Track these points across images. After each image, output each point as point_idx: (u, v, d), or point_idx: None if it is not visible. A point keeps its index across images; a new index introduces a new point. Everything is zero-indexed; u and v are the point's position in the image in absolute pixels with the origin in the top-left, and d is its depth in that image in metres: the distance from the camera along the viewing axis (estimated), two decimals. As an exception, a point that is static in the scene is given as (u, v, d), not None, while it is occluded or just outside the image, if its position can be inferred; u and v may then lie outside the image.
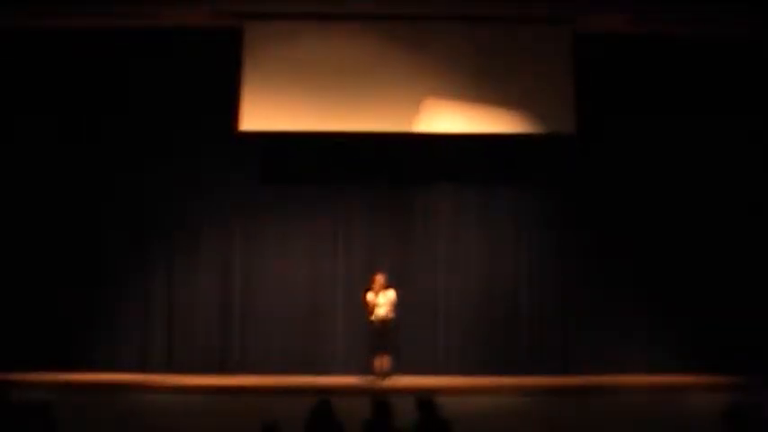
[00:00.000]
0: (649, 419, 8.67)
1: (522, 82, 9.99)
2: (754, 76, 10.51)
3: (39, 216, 10.33)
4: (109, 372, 9.91)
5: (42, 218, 10.34)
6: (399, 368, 9.68)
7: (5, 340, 9.87)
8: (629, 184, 10.61)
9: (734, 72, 10.57)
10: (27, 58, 10.44)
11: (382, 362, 9.49)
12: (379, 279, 9.58)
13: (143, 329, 10.36)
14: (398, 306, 9.57)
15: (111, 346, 10.24)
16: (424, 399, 6.24)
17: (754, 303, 10.25)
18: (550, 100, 9.95)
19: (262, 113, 9.95)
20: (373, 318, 9.50)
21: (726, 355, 10.01)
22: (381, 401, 6.16)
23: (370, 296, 9.57)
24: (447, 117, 9.99)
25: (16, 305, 10.10)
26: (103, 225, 10.43)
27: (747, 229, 10.46)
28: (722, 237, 10.47)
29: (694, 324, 10.29)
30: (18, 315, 10.06)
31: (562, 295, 10.55)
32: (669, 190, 10.59)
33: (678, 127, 10.60)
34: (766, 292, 10.21)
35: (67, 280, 10.26)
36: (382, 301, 9.51)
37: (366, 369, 9.61)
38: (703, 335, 10.23)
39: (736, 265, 10.39)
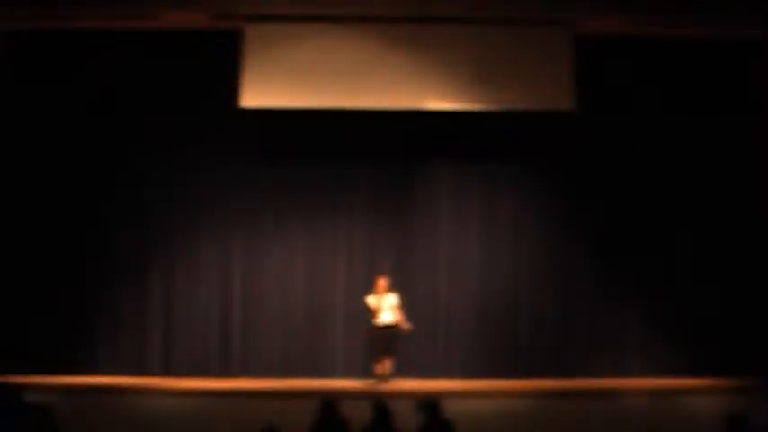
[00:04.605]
0: (650, 422, 8.67)
1: (523, 81, 9.96)
2: (754, 76, 10.52)
3: (37, 218, 10.30)
4: (109, 375, 9.89)
5: (41, 220, 10.30)
6: (401, 371, 9.67)
7: (5, 344, 9.84)
8: (629, 184, 10.60)
9: (734, 72, 10.58)
10: (27, 58, 10.42)
11: (384, 365, 9.47)
12: (381, 282, 9.57)
13: (143, 332, 10.32)
14: (402, 309, 9.57)
15: (111, 348, 10.21)
16: (427, 401, 6.23)
17: (756, 305, 10.23)
18: (550, 93, 9.93)
19: (262, 96, 9.93)
20: (376, 322, 9.49)
21: (727, 358, 10.00)
22: (383, 405, 6.15)
23: (372, 300, 9.55)
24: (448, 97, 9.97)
25: (16, 308, 10.06)
26: (102, 227, 10.39)
27: (749, 229, 10.44)
28: (723, 238, 10.46)
29: (696, 326, 10.26)
30: (18, 318, 10.03)
31: (563, 297, 10.53)
32: (669, 191, 10.58)
33: (679, 127, 10.60)
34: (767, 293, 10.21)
35: (67, 282, 10.21)
36: (385, 306, 9.50)
37: (367, 372, 9.60)
38: (705, 337, 10.20)
39: (738, 267, 10.38)
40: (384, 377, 9.41)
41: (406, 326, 9.54)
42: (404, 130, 10.46)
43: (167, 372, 10.14)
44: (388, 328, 9.46)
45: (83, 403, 8.59)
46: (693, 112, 10.61)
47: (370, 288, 9.64)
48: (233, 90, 9.97)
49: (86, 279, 10.26)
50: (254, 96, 9.89)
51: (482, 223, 10.68)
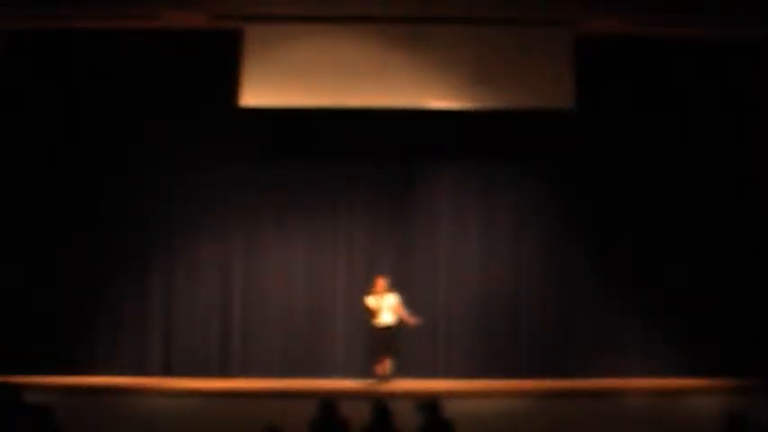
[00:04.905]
0: (650, 422, 8.67)
1: (523, 80, 9.97)
2: (754, 76, 10.52)
3: (37, 218, 10.30)
4: (109, 375, 9.90)
5: (41, 220, 10.31)
6: (401, 371, 9.68)
7: (5, 344, 9.84)
8: (629, 184, 10.60)
9: (734, 72, 10.58)
10: (27, 58, 10.42)
11: (384, 365, 9.47)
12: (381, 282, 9.57)
13: (143, 332, 10.32)
14: (405, 307, 9.58)
15: (111, 348, 10.21)
16: (427, 401, 6.24)
17: (756, 305, 10.23)
18: (550, 93, 9.94)
19: (262, 96, 9.93)
20: (376, 323, 9.48)
21: (727, 358, 10.00)
22: (382, 405, 6.15)
23: (371, 300, 9.55)
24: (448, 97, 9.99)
25: (16, 308, 10.06)
26: (102, 227, 10.40)
27: (749, 228, 10.44)
28: (723, 238, 10.46)
29: (695, 326, 10.27)
30: (18, 318, 10.03)
31: (563, 297, 10.53)
32: (669, 191, 10.57)
33: (679, 126, 10.61)
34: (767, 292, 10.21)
35: (67, 282, 10.21)
36: (385, 306, 9.49)
37: (367, 372, 9.60)
38: (704, 337, 10.21)
39: (739, 267, 10.38)
40: (384, 377, 9.41)
41: (413, 320, 9.52)
42: (404, 130, 10.48)
43: (167, 372, 10.14)
44: (388, 328, 9.46)
45: (83, 403, 8.59)
46: (693, 112, 10.62)
47: (370, 288, 9.64)
48: (233, 90, 9.97)
49: (86, 279, 10.25)
50: (254, 96, 9.89)
51: (482, 223, 10.68)
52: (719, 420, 5.98)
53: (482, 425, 7.99)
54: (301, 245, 10.59)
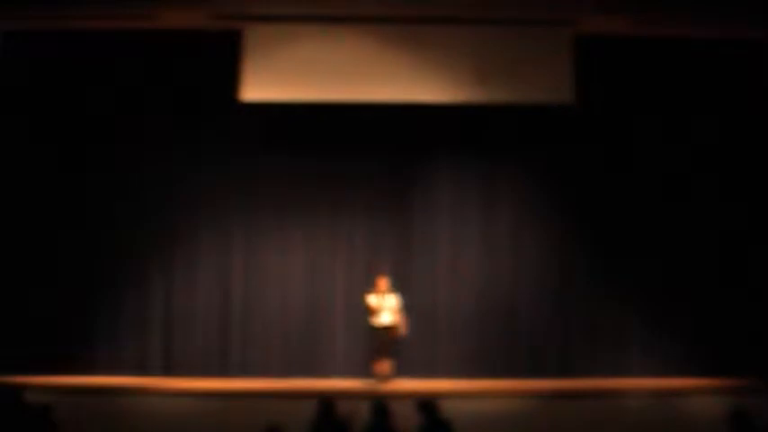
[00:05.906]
0: (650, 423, 8.67)
1: (523, 80, 9.98)
2: (754, 76, 10.52)
3: (37, 218, 10.30)
4: (109, 375, 9.89)
5: (41, 220, 10.31)
6: (401, 371, 9.68)
7: (5, 344, 9.84)
8: (630, 184, 10.60)
9: (734, 72, 10.59)
10: (27, 58, 10.42)
11: (384, 365, 9.47)
12: (383, 282, 9.57)
13: (143, 332, 10.32)
14: (402, 312, 9.58)
15: (111, 348, 10.21)
16: (426, 401, 6.24)
17: (756, 305, 10.23)
18: (550, 93, 9.96)
19: (262, 94, 10.00)
20: (376, 322, 9.48)
21: (727, 358, 10.01)
22: (383, 405, 6.16)
23: (372, 299, 9.55)
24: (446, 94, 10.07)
25: (16, 308, 10.06)
26: (102, 227, 10.39)
27: (749, 229, 10.44)
28: (724, 238, 10.45)
29: (696, 327, 10.27)
30: (18, 318, 10.03)
31: (562, 297, 10.52)
32: (670, 190, 10.57)
33: (679, 126, 10.61)
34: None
35: (67, 282, 10.21)
36: (385, 306, 9.49)
37: (367, 372, 9.60)
38: (704, 338, 10.21)
39: (739, 267, 10.37)
40: (384, 377, 9.41)
41: (403, 331, 9.53)
42: (404, 129, 10.51)
43: (167, 372, 10.14)
44: (387, 328, 9.46)
45: (83, 403, 8.58)
46: (693, 112, 10.62)
47: (369, 288, 9.65)
48: (233, 90, 10.00)
49: (86, 279, 10.25)
50: (255, 91, 9.96)
51: (482, 223, 10.68)
52: (724, 418, 5.99)
53: (482, 425, 7.99)
54: (301, 245, 10.59)
